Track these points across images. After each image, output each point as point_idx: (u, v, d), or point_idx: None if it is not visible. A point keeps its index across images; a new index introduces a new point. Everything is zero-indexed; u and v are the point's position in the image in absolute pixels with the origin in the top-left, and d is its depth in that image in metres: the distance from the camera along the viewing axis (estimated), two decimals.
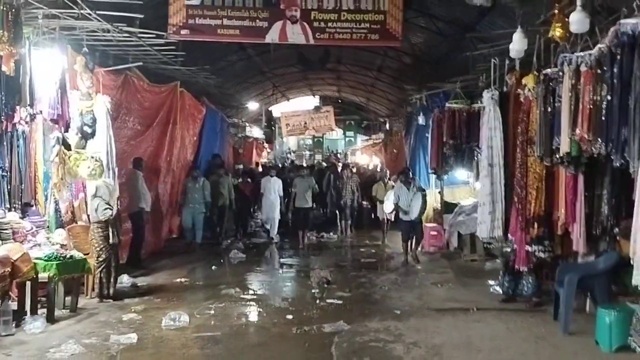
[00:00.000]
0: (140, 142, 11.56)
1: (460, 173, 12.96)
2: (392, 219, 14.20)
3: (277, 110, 28.66)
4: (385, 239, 14.73)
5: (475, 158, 10.59)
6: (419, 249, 12.42)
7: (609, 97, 5.25)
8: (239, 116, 22.83)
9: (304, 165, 22.50)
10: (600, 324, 6.32)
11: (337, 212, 16.46)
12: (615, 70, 5.18)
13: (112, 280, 8.60)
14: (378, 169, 21.51)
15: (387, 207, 13.57)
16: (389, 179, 15.79)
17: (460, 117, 10.94)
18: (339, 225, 16.26)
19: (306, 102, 29.05)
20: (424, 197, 11.99)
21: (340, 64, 20.56)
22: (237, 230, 15.21)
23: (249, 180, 16.08)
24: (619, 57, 5.13)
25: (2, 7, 5.87)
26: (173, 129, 12.64)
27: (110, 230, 8.47)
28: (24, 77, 7.14)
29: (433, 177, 13.93)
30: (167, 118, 12.47)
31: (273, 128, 31.92)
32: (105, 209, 8.43)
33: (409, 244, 12.05)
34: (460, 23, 12.71)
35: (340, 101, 32.05)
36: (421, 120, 13.82)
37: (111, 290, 8.55)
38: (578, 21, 6.00)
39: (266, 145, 27.61)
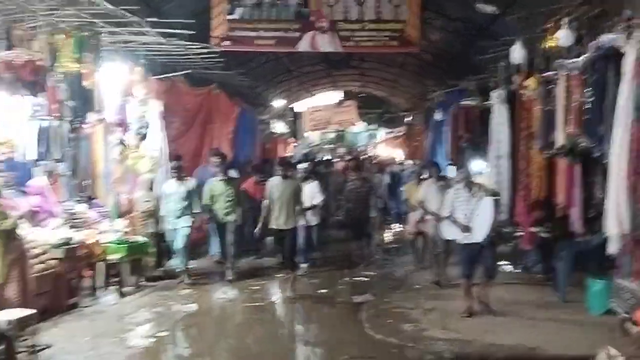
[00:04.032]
0: (185, 141, 12.69)
1: (476, 164, 13.94)
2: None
3: (301, 105, 29.50)
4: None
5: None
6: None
7: (590, 99, 6.30)
8: (266, 113, 23.94)
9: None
10: (590, 292, 7.38)
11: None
12: (594, 77, 6.23)
13: (154, 264, 9.67)
14: (398, 162, 20.50)
15: (449, 229, 7.80)
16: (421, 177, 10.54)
17: (474, 113, 11.98)
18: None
19: (330, 97, 29.88)
20: (497, 202, 7.87)
21: (364, 62, 21.25)
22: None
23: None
24: (597, 66, 6.17)
25: (87, 34, 7.10)
26: (211, 128, 13.68)
27: (150, 220, 9.61)
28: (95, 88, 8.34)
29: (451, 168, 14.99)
30: (205, 118, 13.50)
31: (296, 124, 32.79)
32: (145, 201, 9.64)
33: (471, 281, 7.62)
34: (475, 23, 13.64)
35: (362, 95, 32.72)
36: (438, 116, 14.77)
37: (156, 273, 9.63)
38: (564, 37, 7.05)
39: (291, 140, 28.40)
